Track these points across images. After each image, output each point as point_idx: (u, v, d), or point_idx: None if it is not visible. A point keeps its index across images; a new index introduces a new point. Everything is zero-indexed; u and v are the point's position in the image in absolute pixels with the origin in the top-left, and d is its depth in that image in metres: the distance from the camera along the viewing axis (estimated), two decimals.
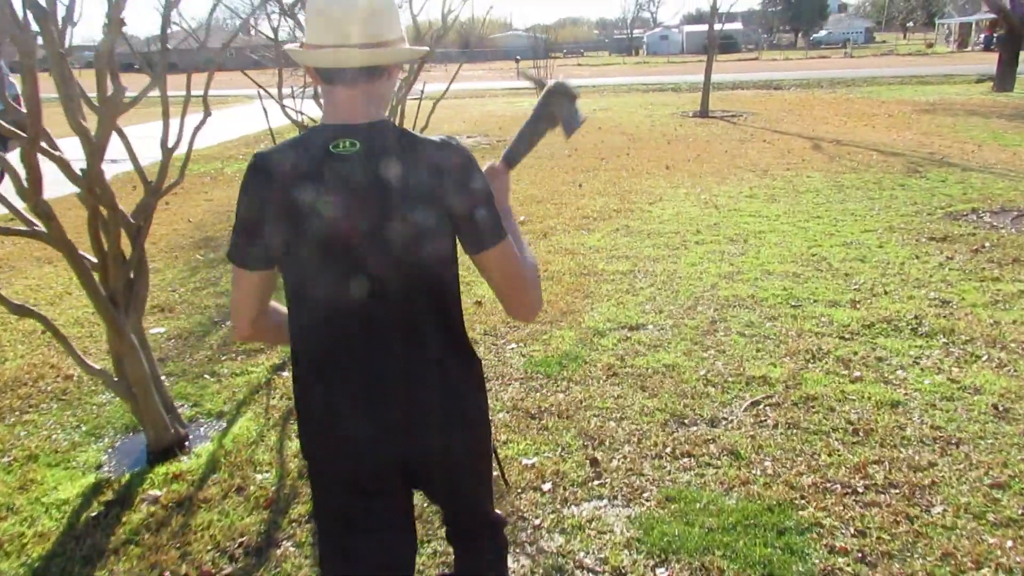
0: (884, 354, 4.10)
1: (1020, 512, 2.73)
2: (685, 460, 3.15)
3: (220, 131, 16.19)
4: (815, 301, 4.94)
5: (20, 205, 3.04)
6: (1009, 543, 2.56)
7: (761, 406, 3.58)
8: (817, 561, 2.51)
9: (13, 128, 2.92)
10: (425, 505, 2.80)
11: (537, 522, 2.79)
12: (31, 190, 2.93)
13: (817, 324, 4.55)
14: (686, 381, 3.86)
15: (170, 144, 3.50)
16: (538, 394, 3.79)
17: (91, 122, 3.14)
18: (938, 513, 2.74)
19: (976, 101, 17.74)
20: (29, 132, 2.82)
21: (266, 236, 1.45)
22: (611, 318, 4.77)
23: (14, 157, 3.07)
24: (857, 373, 3.86)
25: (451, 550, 2.05)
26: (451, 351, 1.57)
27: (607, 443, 3.31)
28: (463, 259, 1.54)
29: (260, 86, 5.65)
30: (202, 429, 3.64)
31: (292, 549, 2.69)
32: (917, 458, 3.08)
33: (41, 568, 2.64)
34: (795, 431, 3.34)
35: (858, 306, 4.80)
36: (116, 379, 3.32)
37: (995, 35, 41.61)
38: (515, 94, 25.09)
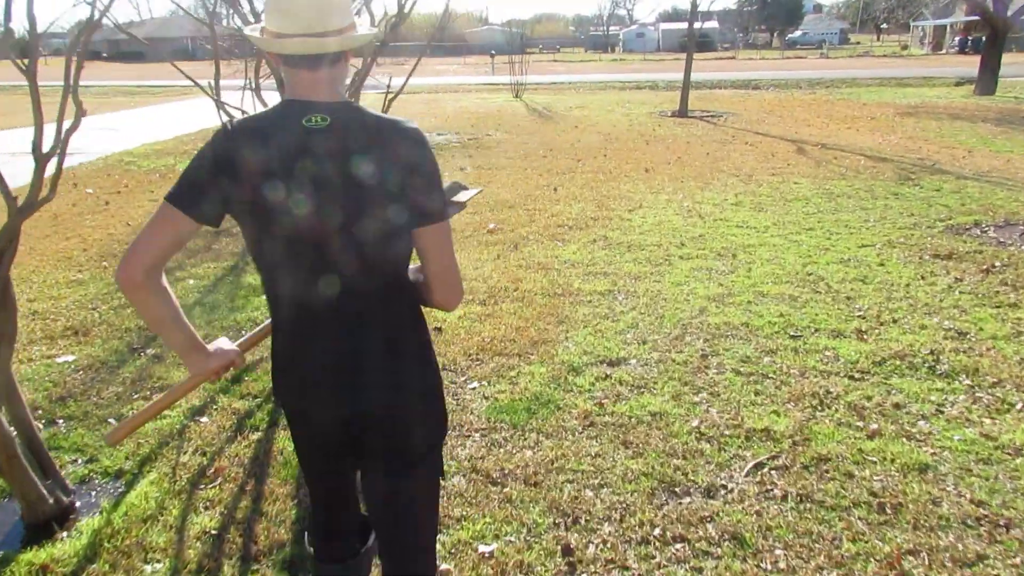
0: (901, 399, 3.55)
1: None
2: (678, 547, 2.57)
3: (177, 124, 15.38)
4: (816, 330, 4.40)
5: None
6: None
7: (766, 469, 3.01)
8: None
9: None
10: None
11: None
12: None
13: (822, 360, 4.00)
14: (676, 434, 3.28)
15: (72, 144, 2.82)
16: (502, 450, 3.19)
17: None
18: None
19: (959, 105, 17.43)
20: None
21: (221, 195, 1.53)
22: (588, 350, 4.18)
23: None
24: (874, 425, 3.31)
25: None
26: (406, 321, 1.69)
27: (583, 520, 2.72)
28: None
29: (192, 79, 5.00)
30: (94, 493, 2.99)
31: None
32: (961, 546, 2.53)
33: None
34: (809, 505, 2.77)
35: (865, 337, 4.26)
36: None
37: (970, 38, 41.74)
38: (490, 90, 24.45)
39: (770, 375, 3.84)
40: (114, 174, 10.19)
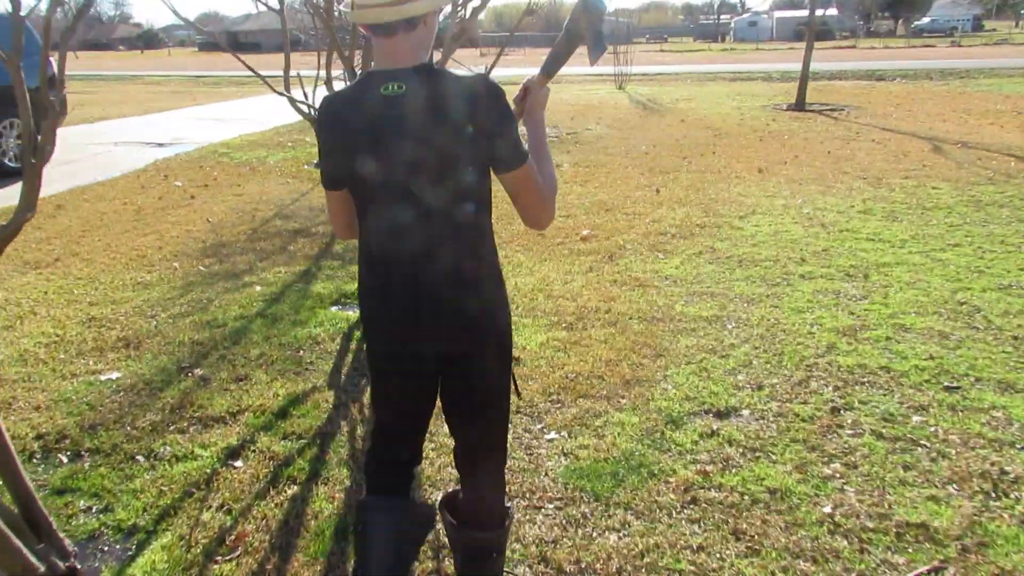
0: None
1: None
2: None
3: (277, 115, 15.37)
4: (978, 380, 3.57)
5: None
6: None
7: None
8: None
9: None
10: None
11: None
12: None
13: (989, 423, 3.19)
14: (801, 523, 2.58)
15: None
16: (579, 532, 2.57)
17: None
18: None
19: None
20: None
21: (335, 163, 1.81)
22: (691, 394, 3.51)
23: None
24: None
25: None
26: (486, 263, 1.83)
27: None
28: None
29: (256, 72, 4.58)
30: (100, 555, 2.57)
31: None
32: None
33: None
34: None
35: None
36: None
37: None
38: (592, 80, 23.66)
39: (922, 441, 3.07)
40: (206, 166, 10.08)
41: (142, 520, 2.71)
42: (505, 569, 1.83)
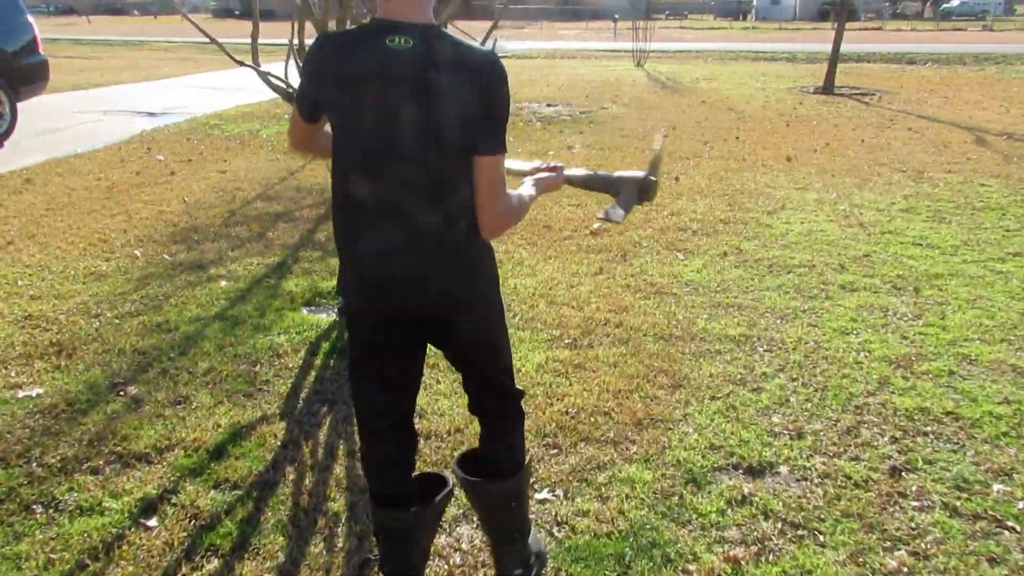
0: None
1: None
2: None
3: None
4: None
5: None
6: None
7: None
8: None
9: None
10: None
11: None
12: None
13: None
14: None
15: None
16: None
17: None
18: None
19: None
20: None
21: (317, 99, 1.79)
22: (716, 442, 2.89)
23: None
24: None
25: None
26: (466, 228, 1.76)
27: None
28: None
29: (214, 40, 3.95)
30: None
31: None
32: None
33: None
34: None
35: None
36: None
37: None
38: (610, 57, 22.80)
39: (1009, 523, 2.44)
40: (194, 138, 9.46)
41: None
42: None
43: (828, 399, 3.22)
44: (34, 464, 2.77)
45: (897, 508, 2.52)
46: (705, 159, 8.23)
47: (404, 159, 1.69)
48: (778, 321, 4.03)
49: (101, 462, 2.77)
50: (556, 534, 2.39)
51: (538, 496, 2.57)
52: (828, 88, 14.49)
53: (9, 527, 2.44)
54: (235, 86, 14.90)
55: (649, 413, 3.09)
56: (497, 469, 2.04)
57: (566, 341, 3.76)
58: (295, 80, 2.23)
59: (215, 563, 2.27)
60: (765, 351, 3.68)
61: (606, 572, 2.22)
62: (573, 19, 56.92)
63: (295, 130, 1.93)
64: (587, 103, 12.64)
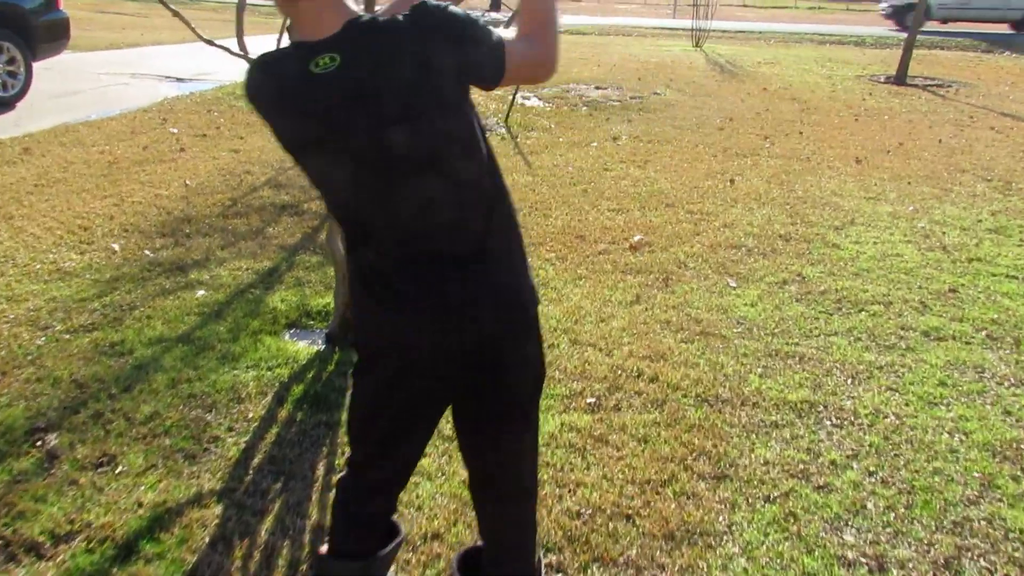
0: None
1: None
2: None
3: None
4: None
5: None
6: None
7: None
8: None
9: None
10: None
11: None
12: None
13: None
14: None
15: None
16: None
17: None
18: None
19: None
20: None
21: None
22: (771, 574, 2.20)
23: None
24: None
25: None
26: (498, 232, 1.56)
27: None
28: None
29: (197, 33, 3.32)
30: None
31: None
32: None
33: None
34: None
35: None
36: None
37: None
38: (667, 35, 21.72)
39: None
40: (215, 110, 8.89)
41: None
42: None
43: (916, 507, 2.50)
44: None
45: None
46: (764, 157, 7.40)
47: (407, 178, 1.46)
48: (849, 381, 3.30)
49: None
50: None
51: None
52: (900, 78, 13.37)
53: None
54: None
55: (685, 520, 2.40)
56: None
57: (588, 400, 3.08)
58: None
59: None
60: (834, 427, 2.96)
61: None
62: None
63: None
64: (638, 87, 11.77)
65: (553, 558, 2.22)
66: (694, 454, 2.74)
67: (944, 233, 5.32)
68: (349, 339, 3.36)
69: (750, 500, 2.51)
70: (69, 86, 9.79)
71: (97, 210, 5.17)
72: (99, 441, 2.72)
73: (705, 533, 2.35)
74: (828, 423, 2.98)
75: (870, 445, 2.84)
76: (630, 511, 2.43)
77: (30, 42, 8.44)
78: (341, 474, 1.82)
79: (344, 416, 2.80)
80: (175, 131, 7.69)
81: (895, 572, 2.22)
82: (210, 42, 3.35)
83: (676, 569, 2.20)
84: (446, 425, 2.29)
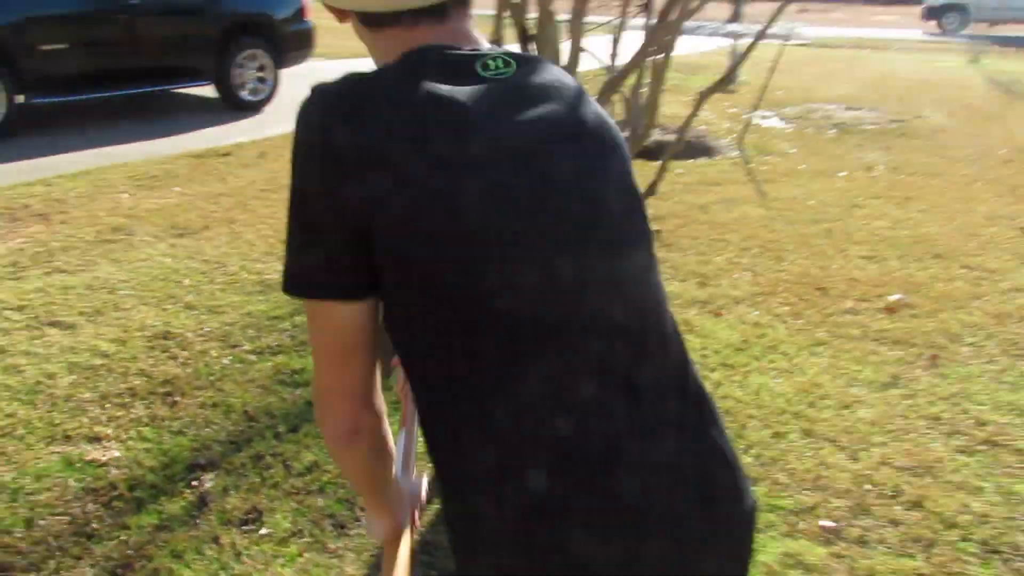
0: None
1: None
2: None
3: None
4: None
5: None
6: None
7: None
8: None
9: None
10: None
11: None
12: None
13: None
14: None
15: None
16: None
17: None
18: None
19: None
20: None
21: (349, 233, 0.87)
22: None
23: None
24: None
25: None
26: (693, 399, 0.95)
27: None
28: None
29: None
30: None
31: None
32: None
33: None
34: None
35: None
36: None
37: None
38: (935, 48, 19.39)
39: None
40: None
41: None
42: None
43: None
44: None
45: None
46: None
47: (591, 292, 0.89)
48: None
49: None
50: None
51: None
52: None
53: None
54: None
55: None
56: None
57: (823, 523, 2.38)
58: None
59: None
60: None
61: None
62: (891, 3, 50.64)
63: (346, 356, 0.92)
64: (899, 108, 10.36)
65: None
66: None
67: None
68: None
69: None
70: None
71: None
72: (252, 491, 2.47)
73: None
74: None
75: None
76: None
77: (278, 50, 8.95)
78: None
79: None
80: None
81: None
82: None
83: None
84: None
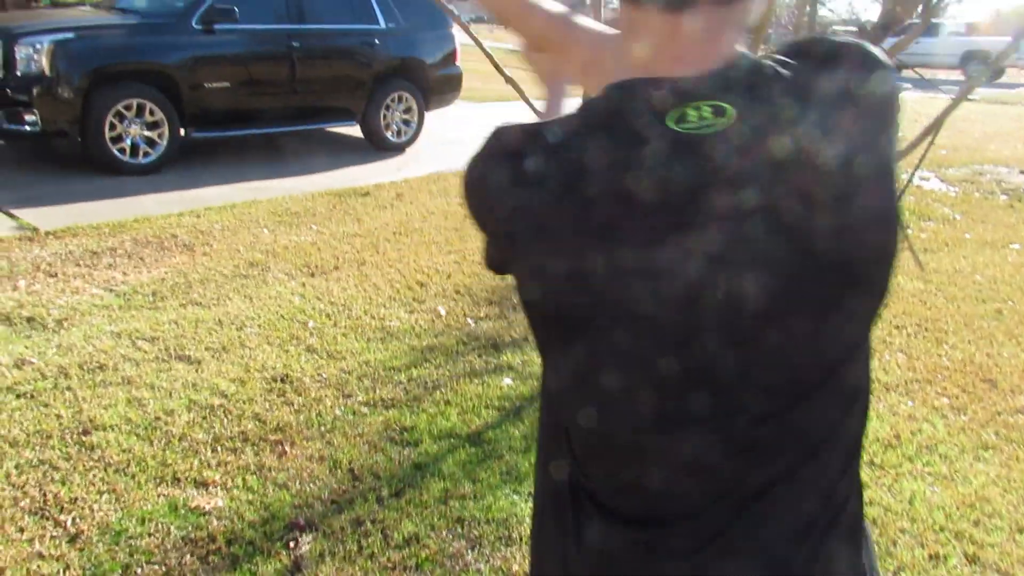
0: None
1: None
2: None
3: None
4: None
5: None
6: None
7: None
8: None
9: None
10: None
11: None
12: None
13: None
14: None
15: None
16: None
17: None
18: None
19: None
20: None
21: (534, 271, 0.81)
22: None
23: None
24: None
25: None
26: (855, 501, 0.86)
27: None
28: None
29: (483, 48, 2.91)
30: None
31: None
32: None
33: None
34: None
35: None
36: None
37: None
38: None
39: None
40: None
41: None
42: None
43: None
44: None
45: None
46: None
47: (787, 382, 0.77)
48: None
49: None
50: None
51: None
52: None
53: None
54: None
55: None
56: None
57: None
58: None
59: None
60: None
61: None
62: None
63: None
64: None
65: None
66: None
67: None
68: None
69: None
70: (451, 135, 10.50)
71: (438, 265, 5.14)
72: (348, 561, 2.36)
73: None
74: None
75: None
76: None
77: (425, 93, 9.16)
78: None
79: None
80: None
81: None
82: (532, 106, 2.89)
83: None
84: None
